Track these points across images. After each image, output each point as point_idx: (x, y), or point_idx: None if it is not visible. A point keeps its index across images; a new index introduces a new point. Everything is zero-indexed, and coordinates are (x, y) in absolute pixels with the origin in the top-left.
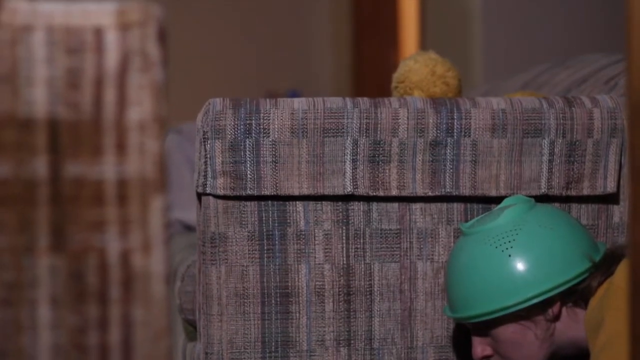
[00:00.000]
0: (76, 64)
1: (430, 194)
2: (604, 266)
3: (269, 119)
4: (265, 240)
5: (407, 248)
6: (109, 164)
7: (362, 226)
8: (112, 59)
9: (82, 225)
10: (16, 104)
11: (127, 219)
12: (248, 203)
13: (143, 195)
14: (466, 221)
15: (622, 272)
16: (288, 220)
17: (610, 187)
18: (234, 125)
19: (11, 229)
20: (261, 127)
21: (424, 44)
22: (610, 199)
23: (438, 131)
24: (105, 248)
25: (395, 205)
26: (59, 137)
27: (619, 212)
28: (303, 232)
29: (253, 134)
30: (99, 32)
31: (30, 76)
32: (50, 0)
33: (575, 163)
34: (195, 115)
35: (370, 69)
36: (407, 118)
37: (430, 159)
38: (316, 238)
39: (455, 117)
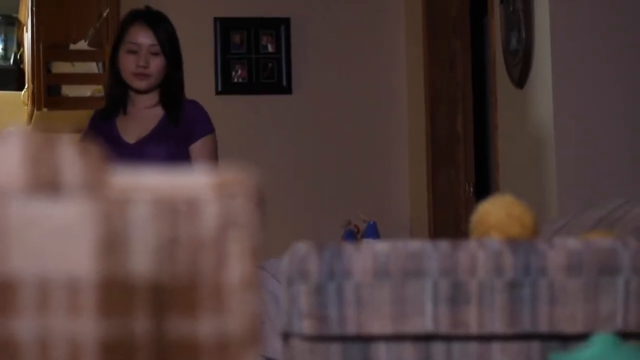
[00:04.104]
0: (177, 231)
1: (509, 332)
2: None
3: (352, 263)
4: None
5: None
6: (208, 322)
7: None
8: (211, 227)
9: None
10: (121, 269)
11: None
12: (332, 343)
13: (240, 350)
14: (545, 359)
15: None
16: (371, 359)
17: None
18: (318, 269)
19: None
20: (344, 270)
21: (497, 174)
22: None
23: (515, 272)
24: None
25: (475, 343)
26: (161, 299)
27: None
28: None
29: (337, 277)
30: (198, 203)
31: (135, 243)
32: (152, 170)
33: None
34: (276, 250)
35: (446, 199)
36: (486, 259)
37: (509, 298)
38: None
39: (531, 258)
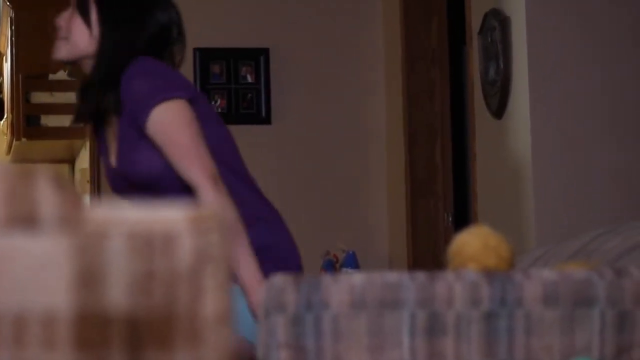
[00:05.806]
0: (153, 265)
1: None
2: None
3: (329, 294)
4: None
5: None
6: (184, 356)
7: None
8: (186, 261)
9: None
10: (98, 302)
11: None
12: None
13: None
14: None
15: None
16: None
17: None
18: (295, 300)
19: None
20: (321, 301)
21: (475, 204)
22: None
23: (492, 303)
24: None
25: None
26: (137, 333)
27: None
28: None
29: (314, 308)
30: (174, 237)
31: (111, 277)
32: (129, 206)
33: (626, 332)
34: None
35: (425, 228)
36: (462, 290)
37: (485, 329)
38: None
39: (508, 289)
